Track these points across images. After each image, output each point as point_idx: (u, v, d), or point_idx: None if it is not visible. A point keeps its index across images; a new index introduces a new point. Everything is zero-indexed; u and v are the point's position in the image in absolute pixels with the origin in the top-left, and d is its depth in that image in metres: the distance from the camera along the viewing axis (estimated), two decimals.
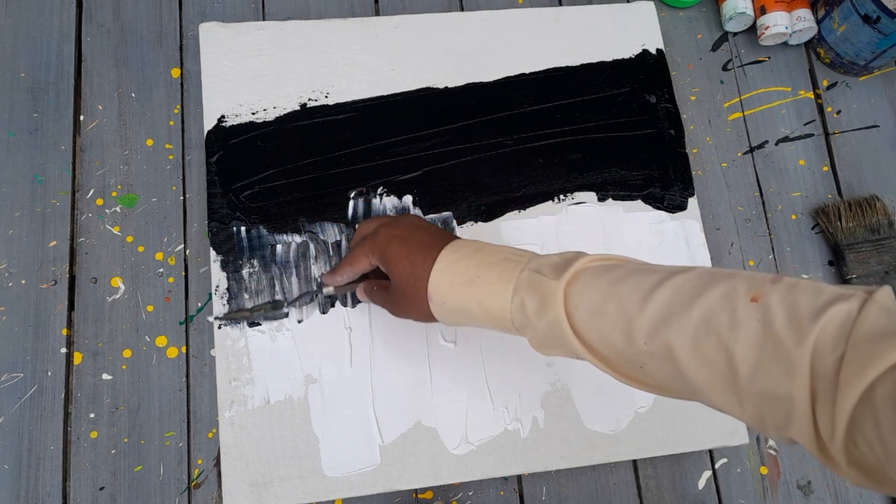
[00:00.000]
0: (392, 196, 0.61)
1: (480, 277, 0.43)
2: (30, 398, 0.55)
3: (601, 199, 0.63)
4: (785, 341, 0.32)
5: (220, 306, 0.56)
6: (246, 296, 0.57)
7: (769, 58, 0.72)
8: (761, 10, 0.69)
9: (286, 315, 0.56)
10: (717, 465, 0.61)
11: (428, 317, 0.47)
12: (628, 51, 0.68)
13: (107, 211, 0.60)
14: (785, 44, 0.72)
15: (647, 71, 0.67)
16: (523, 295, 0.41)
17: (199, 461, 0.56)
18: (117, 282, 0.58)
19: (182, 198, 0.61)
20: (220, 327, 0.56)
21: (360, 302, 0.58)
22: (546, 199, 0.63)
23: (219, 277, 0.57)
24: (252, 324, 0.56)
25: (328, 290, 0.53)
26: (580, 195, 0.63)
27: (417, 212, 0.61)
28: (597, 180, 0.64)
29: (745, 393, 0.33)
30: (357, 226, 0.54)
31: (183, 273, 0.59)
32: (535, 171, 0.63)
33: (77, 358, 0.56)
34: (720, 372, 0.34)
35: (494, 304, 0.43)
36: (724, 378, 0.34)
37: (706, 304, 0.35)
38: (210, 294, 0.58)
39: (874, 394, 0.29)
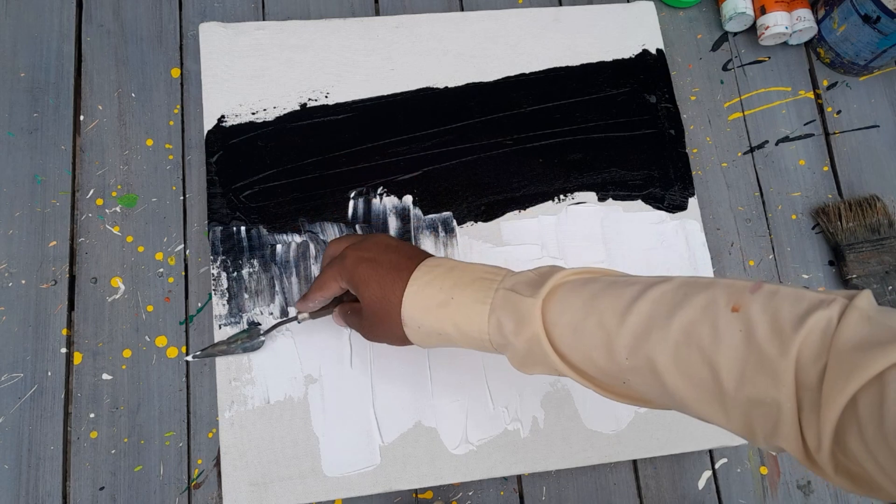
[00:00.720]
0: (392, 196, 0.61)
1: (455, 299, 0.42)
2: (30, 398, 0.55)
3: (601, 199, 0.63)
4: (768, 352, 0.32)
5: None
6: (246, 296, 0.57)
7: (769, 58, 0.72)
8: (761, 10, 0.69)
9: (262, 343, 0.55)
10: (717, 465, 0.61)
11: (403, 340, 0.46)
12: (628, 51, 0.68)
13: (107, 211, 0.60)
14: (785, 44, 0.72)
15: (647, 71, 0.67)
16: (500, 315, 0.40)
17: (199, 461, 0.56)
18: (117, 282, 0.58)
19: (182, 198, 0.61)
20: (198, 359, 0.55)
21: None
22: (546, 199, 0.63)
23: (219, 277, 0.57)
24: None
25: (303, 315, 0.51)
26: (580, 195, 0.63)
27: (417, 212, 0.61)
28: (597, 180, 0.64)
29: (731, 404, 0.33)
30: (326, 246, 0.52)
31: (183, 273, 0.59)
32: (535, 171, 0.63)
33: (77, 358, 0.56)
34: (705, 385, 0.34)
35: (471, 327, 0.42)
36: (709, 390, 0.34)
37: (686, 316, 0.35)
38: (210, 294, 0.58)
39: (857, 405, 0.29)
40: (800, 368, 0.31)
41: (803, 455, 0.32)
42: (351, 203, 0.60)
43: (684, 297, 0.35)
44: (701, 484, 0.60)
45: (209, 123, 0.61)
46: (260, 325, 0.56)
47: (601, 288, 0.39)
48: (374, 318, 0.46)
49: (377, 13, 0.69)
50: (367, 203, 0.60)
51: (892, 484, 0.28)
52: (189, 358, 0.54)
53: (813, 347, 0.31)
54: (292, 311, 0.57)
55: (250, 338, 0.54)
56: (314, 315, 0.51)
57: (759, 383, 0.32)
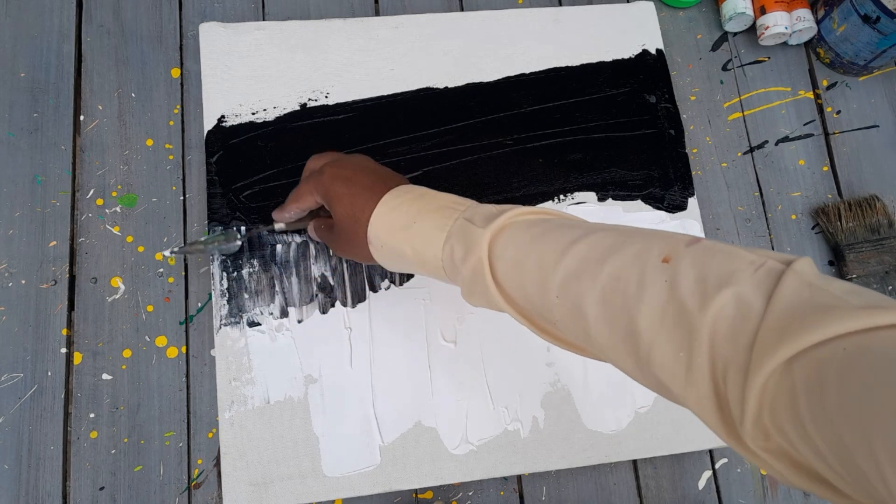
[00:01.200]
0: None
1: (417, 224, 0.43)
2: (30, 398, 0.55)
3: (601, 199, 0.63)
4: (688, 306, 0.30)
5: (221, 305, 0.56)
6: (246, 296, 0.57)
7: (769, 58, 0.72)
8: (761, 10, 0.69)
9: (239, 247, 0.54)
10: (717, 465, 0.61)
11: (368, 259, 0.47)
12: (628, 51, 0.68)
13: (107, 211, 0.60)
14: (785, 44, 0.72)
15: (647, 71, 0.67)
16: (453, 242, 0.41)
17: (199, 461, 0.56)
18: (117, 282, 0.58)
19: (182, 198, 0.61)
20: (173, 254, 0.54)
21: (360, 301, 0.58)
22: (546, 199, 0.63)
23: (219, 277, 0.57)
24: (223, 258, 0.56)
25: (279, 225, 0.52)
26: (580, 195, 0.63)
27: None
28: (597, 180, 0.64)
29: (644, 358, 0.32)
30: (308, 159, 0.53)
31: (183, 273, 0.59)
32: (535, 171, 0.63)
33: (77, 358, 0.56)
34: (623, 333, 0.33)
35: (427, 251, 0.43)
36: (625, 340, 0.33)
37: (618, 261, 0.34)
38: (210, 294, 0.58)
39: (792, 374, 0.26)
40: (718, 327, 0.29)
41: (720, 424, 0.30)
42: None
43: (622, 244, 0.35)
44: (701, 484, 0.60)
45: (209, 123, 0.61)
46: (236, 230, 0.56)
47: (549, 228, 0.39)
48: (343, 234, 0.47)
49: (377, 13, 0.69)
50: None
51: (834, 475, 0.25)
52: (167, 253, 0.54)
53: (741, 308, 0.29)
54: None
55: (227, 240, 0.54)
56: (290, 226, 0.52)
57: (674, 338, 0.31)
